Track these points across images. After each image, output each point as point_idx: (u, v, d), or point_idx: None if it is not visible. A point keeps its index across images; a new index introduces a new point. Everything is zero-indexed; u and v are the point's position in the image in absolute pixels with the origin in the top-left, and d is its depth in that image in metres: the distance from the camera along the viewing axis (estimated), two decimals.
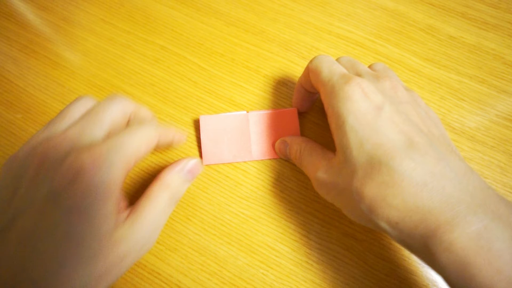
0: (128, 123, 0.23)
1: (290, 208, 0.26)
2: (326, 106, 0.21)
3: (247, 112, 0.28)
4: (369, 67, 0.25)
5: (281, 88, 0.31)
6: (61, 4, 0.35)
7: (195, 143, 0.29)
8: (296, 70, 0.31)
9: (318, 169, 0.21)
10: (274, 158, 0.28)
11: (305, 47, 0.32)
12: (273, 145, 0.28)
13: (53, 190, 0.17)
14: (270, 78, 0.31)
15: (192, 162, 0.23)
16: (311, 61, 0.23)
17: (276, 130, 0.28)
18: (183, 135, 0.26)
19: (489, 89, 0.30)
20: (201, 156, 0.28)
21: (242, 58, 0.32)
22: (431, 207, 0.15)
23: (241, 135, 0.28)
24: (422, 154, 0.17)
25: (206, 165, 0.28)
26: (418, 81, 0.31)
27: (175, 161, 0.22)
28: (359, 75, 0.22)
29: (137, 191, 0.27)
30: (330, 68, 0.22)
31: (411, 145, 0.17)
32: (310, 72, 0.23)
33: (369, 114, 0.18)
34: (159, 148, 0.25)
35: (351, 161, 0.18)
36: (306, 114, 0.29)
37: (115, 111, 0.21)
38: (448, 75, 0.31)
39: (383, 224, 0.17)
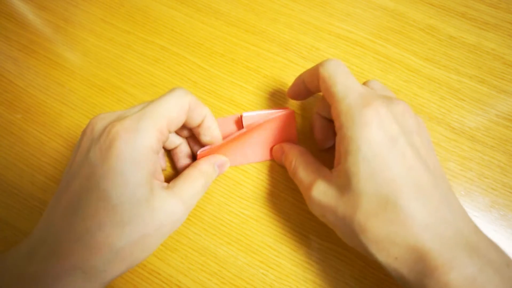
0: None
1: (290, 208, 0.26)
2: (338, 124, 0.20)
3: (240, 115, 0.27)
4: (364, 84, 0.24)
5: (281, 88, 0.31)
6: (61, 4, 0.35)
7: None
8: (296, 70, 0.31)
9: (313, 188, 0.20)
10: (269, 160, 0.28)
11: (305, 47, 0.32)
12: (269, 149, 0.27)
13: (94, 156, 0.19)
14: (270, 78, 0.31)
15: (223, 159, 0.25)
16: (323, 66, 0.21)
17: (272, 132, 0.27)
18: (215, 124, 0.25)
19: (489, 89, 0.30)
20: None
21: (242, 58, 0.32)
22: (431, 248, 0.16)
23: (235, 139, 0.26)
24: (427, 196, 0.18)
25: None
26: (418, 81, 0.31)
27: (210, 156, 0.25)
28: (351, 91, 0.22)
29: None
30: (346, 82, 0.20)
31: (419, 186, 0.18)
32: (321, 79, 0.21)
33: (384, 145, 0.18)
34: (191, 126, 0.23)
35: (357, 190, 0.18)
36: (308, 112, 0.29)
37: (170, 99, 0.21)
38: (448, 75, 0.31)
39: (382, 258, 0.17)
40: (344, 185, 0.19)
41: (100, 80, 0.31)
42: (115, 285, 0.25)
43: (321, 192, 0.20)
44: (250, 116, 0.27)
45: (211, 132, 0.24)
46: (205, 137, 0.24)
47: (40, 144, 0.29)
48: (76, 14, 0.35)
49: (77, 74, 0.32)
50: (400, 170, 0.18)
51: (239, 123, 0.28)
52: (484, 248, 0.17)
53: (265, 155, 0.28)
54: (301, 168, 0.23)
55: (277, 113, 0.26)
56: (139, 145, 0.18)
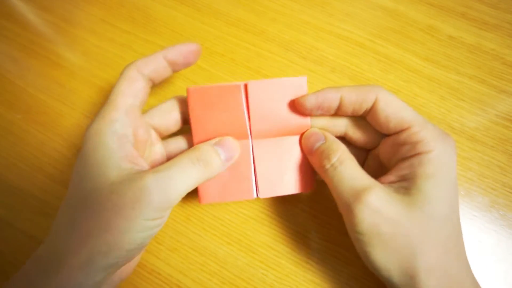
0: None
1: (290, 208, 0.26)
2: (420, 147, 0.19)
3: (244, 83, 0.21)
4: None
5: None
6: (62, 4, 0.35)
7: None
8: (296, 70, 0.31)
9: (373, 191, 0.18)
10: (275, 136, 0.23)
11: (305, 47, 0.33)
12: (276, 126, 0.22)
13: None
14: (270, 78, 0.31)
15: (226, 138, 0.22)
16: (379, 89, 0.20)
17: (283, 104, 0.22)
18: (194, 47, 0.23)
19: (489, 89, 0.30)
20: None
21: (242, 58, 0.32)
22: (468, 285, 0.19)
23: (235, 114, 0.22)
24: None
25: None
26: (418, 81, 0.31)
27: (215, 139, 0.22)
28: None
29: None
30: (413, 110, 0.21)
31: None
32: (382, 102, 0.20)
33: (455, 177, 0.19)
34: (175, 67, 0.22)
35: (433, 214, 0.18)
36: None
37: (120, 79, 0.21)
38: (448, 75, 0.31)
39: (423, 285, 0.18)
40: (417, 204, 0.18)
41: (100, 80, 0.31)
42: None
43: (382, 199, 0.18)
44: (255, 84, 0.21)
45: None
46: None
47: (40, 144, 0.29)
48: (77, 14, 0.35)
49: (77, 74, 0.32)
50: (457, 206, 0.20)
51: (238, 95, 0.21)
52: None
53: (273, 132, 0.22)
54: (349, 165, 0.20)
55: (285, 79, 0.22)
56: (99, 126, 0.19)
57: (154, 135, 0.23)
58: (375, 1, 0.34)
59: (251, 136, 0.22)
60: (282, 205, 0.27)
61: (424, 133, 0.19)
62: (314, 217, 0.26)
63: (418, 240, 0.18)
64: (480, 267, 0.25)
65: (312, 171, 0.23)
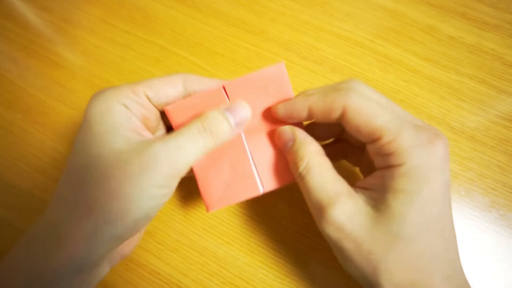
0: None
1: (291, 208, 0.26)
2: (393, 159, 0.17)
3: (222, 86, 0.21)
4: (344, 84, 0.20)
5: None
6: (61, 4, 0.35)
7: None
8: (296, 70, 0.31)
9: (336, 206, 0.17)
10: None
11: (305, 47, 0.33)
12: (261, 118, 0.21)
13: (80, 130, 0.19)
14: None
15: (236, 102, 0.20)
16: (348, 96, 0.18)
17: (263, 95, 0.21)
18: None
19: (489, 89, 0.30)
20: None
21: (242, 58, 0.32)
22: None
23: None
24: (452, 245, 0.18)
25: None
26: (418, 81, 0.31)
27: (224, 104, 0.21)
28: (404, 122, 0.18)
29: None
30: (393, 111, 0.18)
31: (448, 236, 0.18)
32: (351, 111, 0.18)
33: (440, 192, 0.17)
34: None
35: (399, 232, 0.17)
36: None
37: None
38: (448, 75, 0.31)
39: None
40: (382, 221, 0.17)
41: (100, 80, 0.31)
42: (115, 285, 0.25)
43: (346, 215, 0.17)
44: (234, 83, 0.21)
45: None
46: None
47: (40, 144, 0.29)
48: (76, 14, 0.35)
49: (77, 74, 0.32)
50: (443, 221, 0.17)
51: (221, 97, 0.21)
52: None
53: (264, 125, 0.22)
54: (317, 173, 0.19)
55: (263, 70, 0.21)
56: (107, 98, 0.19)
57: (161, 125, 0.23)
58: (375, 1, 0.34)
59: (243, 133, 0.22)
60: (282, 205, 0.27)
61: (396, 143, 0.17)
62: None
63: (381, 258, 0.17)
64: (480, 267, 0.25)
65: None
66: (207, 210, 0.21)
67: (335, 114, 0.19)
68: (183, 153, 0.18)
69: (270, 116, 0.21)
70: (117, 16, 0.35)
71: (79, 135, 0.18)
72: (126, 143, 0.18)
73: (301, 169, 0.19)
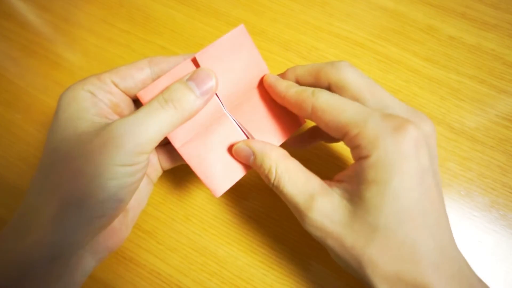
0: None
1: None
2: (360, 151, 0.17)
3: (192, 58, 0.20)
4: (330, 65, 0.21)
5: None
6: (61, 4, 0.35)
7: None
8: None
9: (313, 208, 0.18)
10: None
11: (305, 47, 0.33)
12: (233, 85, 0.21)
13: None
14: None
15: (199, 69, 0.19)
16: (316, 97, 0.19)
17: (234, 63, 0.21)
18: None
19: (489, 89, 0.30)
20: None
21: None
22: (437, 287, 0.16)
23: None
24: (441, 235, 0.17)
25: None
26: (418, 81, 0.31)
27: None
28: (386, 107, 0.19)
29: None
30: (357, 106, 0.18)
31: (436, 224, 0.17)
32: (317, 110, 0.19)
33: (415, 179, 0.17)
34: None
35: (375, 223, 0.17)
36: None
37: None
38: (448, 75, 0.31)
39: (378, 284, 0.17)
40: (359, 214, 0.17)
41: None
42: (115, 285, 0.25)
43: (323, 215, 0.18)
44: (201, 55, 0.20)
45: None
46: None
47: (40, 143, 0.29)
48: (76, 14, 0.35)
49: (77, 74, 0.32)
50: (424, 208, 0.17)
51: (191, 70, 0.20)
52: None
53: (240, 92, 0.21)
54: (288, 180, 0.19)
55: (226, 36, 0.20)
56: (73, 91, 0.19)
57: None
58: (375, 1, 0.34)
59: (224, 107, 0.21)
60: (283, 205, 0.27)
61: (361, 135, 0.17)
62: None
63: (364, 252, 0.17)
64: (480, 267, 0.25)
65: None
66: (215, 195, 0.21)
67: (306, 112, 0.19)
68: (144, 128, 0.17)
69: (247, 80, 0.21)
70: (116, 16, 0.35)
71: (50, 126, 0.19)
72: (90, 126, 0.18)
73: (272, 180, 0.19)
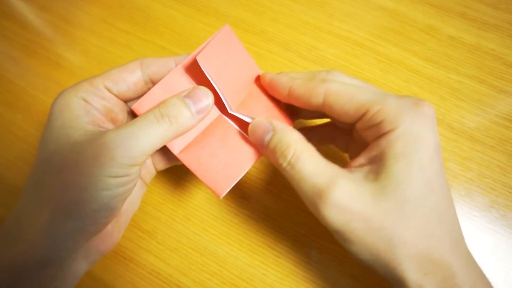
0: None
1: (291, 208, 0.26)
2: (383, 126, 0.17)
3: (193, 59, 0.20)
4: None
5: None
6: (61, 4, 0.36)
7: None
8: (296, 70, 0.31)
9: (336, 187, 0.17)
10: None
11: (305, 47, 0.33)
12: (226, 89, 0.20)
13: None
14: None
15: (196, 88, 0.19)
16: (328, 83, 0.19)
17: (229, 62, 0.21)
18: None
19: (489, 89, 0.30)
20: None
21: None
22: (459, 265, 0.17)
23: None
24: (453, 210, 0.18)
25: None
26: (418, 81, 0.31)
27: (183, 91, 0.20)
28: (386, 94, 0.19)
29: None
30: (372, 87, 0.19)
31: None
32: (331, 94, 0.19)
33: (435, 150, 0.17)
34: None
35: (405, 198, 0.16)
36: None
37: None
38: (448, 75, 0.31)
39: (411, 273, 0.16)
40: (387, 190, 0.16)
41: None
42: (115, 285, 0.25)
43: (348, 194, 0.17)
44: (205, 54, 0.19)
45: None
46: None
47: None
48: (76, 14, 0.35)
49: (77, 74, 0.32)
50: (442, 181, 0.17)
51: (181, 78, 0.21)
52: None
53: (239, 90, 0.22)
54: (307, 158, 0.18)
55: (218, 37, 0.20)
56: (65, 97, 0.19)
57: (128, 117, 0.22)
58: (375, 1, 0.34)
59: (229, 107, 0.21)
60: (283, 205, 0.27)
61: (384, 111, 0.17)
62: (314, 216, 0.26)
63: (394, 231, 0.16)
64: (480, 267, 0.25)
65: (285, 106, 0.24)
66: (219, 196, 0.20)
67: (317, 100, 0.19)
68: (137, 141, 0.17)
69: (240, 79, 0.22)
70: (116, 16, 0.35)
71: (42, 133, 0.19)
72: (83, 135, 0.17)
73: (289, 157, 0.18)
